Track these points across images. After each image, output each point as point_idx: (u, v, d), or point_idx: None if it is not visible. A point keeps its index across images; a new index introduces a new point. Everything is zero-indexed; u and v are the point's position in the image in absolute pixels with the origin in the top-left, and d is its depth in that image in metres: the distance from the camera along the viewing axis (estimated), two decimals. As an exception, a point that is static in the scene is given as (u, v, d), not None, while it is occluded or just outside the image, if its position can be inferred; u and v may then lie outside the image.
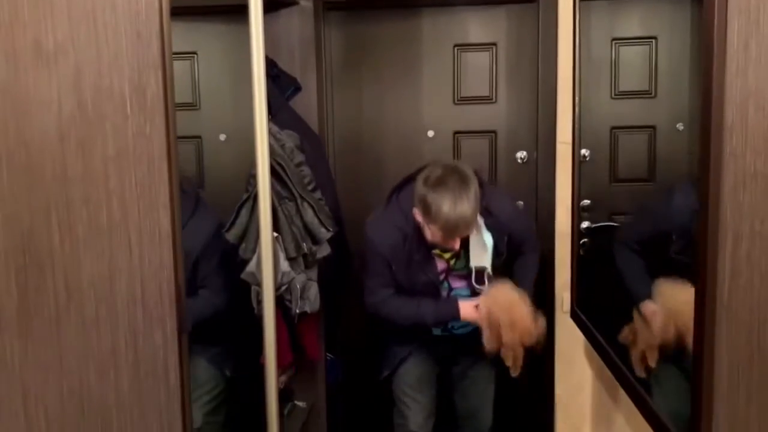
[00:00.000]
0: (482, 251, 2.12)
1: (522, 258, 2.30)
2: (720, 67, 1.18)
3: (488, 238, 2.12)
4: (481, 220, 2.08)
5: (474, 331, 2.15)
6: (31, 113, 1.19)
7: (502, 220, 2.16)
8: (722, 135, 1.19)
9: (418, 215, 2.02)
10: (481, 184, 2.04)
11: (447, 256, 2.14)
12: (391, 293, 2.16)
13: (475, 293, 2.14)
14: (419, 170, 2.08)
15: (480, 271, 2.13)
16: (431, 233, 2.00)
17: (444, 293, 2.17)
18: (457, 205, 1.92)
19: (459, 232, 1.98)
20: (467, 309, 2.10)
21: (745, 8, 1.15)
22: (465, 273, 2.16)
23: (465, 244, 2.10)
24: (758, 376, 1.25)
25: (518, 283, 2.18)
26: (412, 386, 2.28)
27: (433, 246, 2.08)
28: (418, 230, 2.06)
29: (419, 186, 1.99)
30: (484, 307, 2.06)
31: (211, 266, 2.16)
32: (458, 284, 2.19)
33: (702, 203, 1.25)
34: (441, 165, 2.02)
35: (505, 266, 2.25)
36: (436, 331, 2.23)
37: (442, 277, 2.16)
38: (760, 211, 1.20)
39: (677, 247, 1.74)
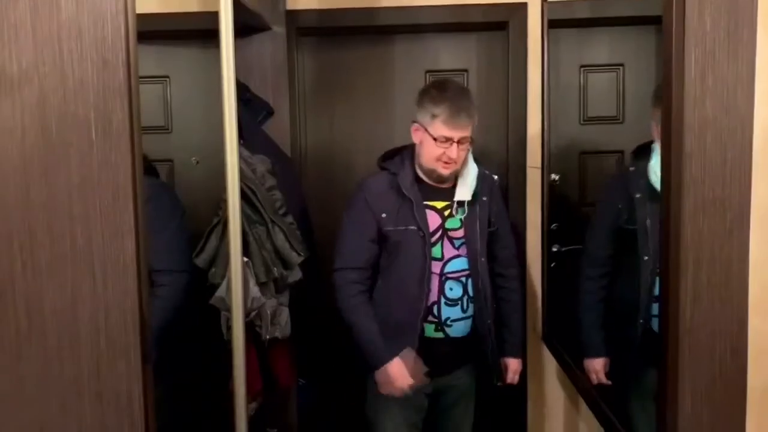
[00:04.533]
0: (467, 187, 2.12)
1: (507, 291, 2.27)
2: (678, 97, 1.21)
3: (474, 170, 2.15)
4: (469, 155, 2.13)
5: (467, 335, 2.13)
6: (-6, 139, 1.18)
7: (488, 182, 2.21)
8: (681, 162, 1.22)
9: (418, 126, 2.06)
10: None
11: (440, 205, 2.10)
12: (360, 288, 2.09)
13: (474, 265, 2.10)
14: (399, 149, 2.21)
15: (461, 203, 2.11)
16: (432, 137, 2.01)
17: (435, 266, 2.07)
18: (461, 92, 2.05)
19: (462, 118, 1.98)
20: (394, 369, 2.03)
21: (701, 40, 1.19)
22: (461, 238, 2.11)
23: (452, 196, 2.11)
24: (721, 397, 1.27)
25: (510, 334, 2.25)
26: None
27: (425, 197, 2.08)
28: (411, 178, 2.09)
29: (419, 94, 2.09)
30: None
31: (167, 250, 2.01)
32: (452, 252, 2.10)
33: (664, 229, 1.28)
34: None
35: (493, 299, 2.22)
36: (429, 332, 2.08)
37: (435, 237, 2.07)
38: (719, 236, 1.23)
39: (624, 217, 1.85)
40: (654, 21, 1.34)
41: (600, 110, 2.58)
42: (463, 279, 2.10)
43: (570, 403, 2.70)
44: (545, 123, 2.40)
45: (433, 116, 2.00)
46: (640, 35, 2.35)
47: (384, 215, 2.06)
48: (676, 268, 1.25)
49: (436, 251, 2.07)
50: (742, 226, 1.24)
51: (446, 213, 2.10)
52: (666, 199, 1.26)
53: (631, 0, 2.23)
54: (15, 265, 1.19)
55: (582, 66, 2.57)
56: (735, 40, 1.19)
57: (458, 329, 2.11)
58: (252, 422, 1.72)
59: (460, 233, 2.10)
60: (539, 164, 2.47)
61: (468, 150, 2.09)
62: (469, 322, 2.13)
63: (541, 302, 2.54)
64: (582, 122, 2.62)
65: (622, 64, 2.50)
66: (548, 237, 2.45)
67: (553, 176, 2.47)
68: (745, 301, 1.25)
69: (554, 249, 2.45)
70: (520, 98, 2.70)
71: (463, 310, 2.11)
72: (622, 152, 2.38)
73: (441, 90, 2.04)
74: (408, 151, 2.16)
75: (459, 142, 2.01)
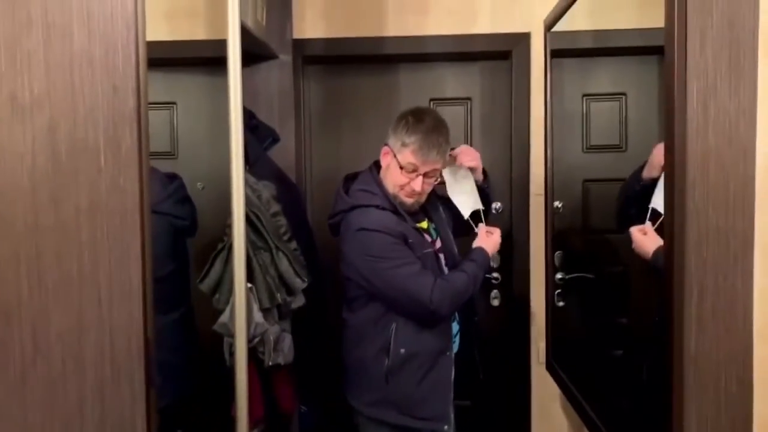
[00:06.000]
0: (468, 191, 2.13)
1: None
2: (681, 128, 1.22)
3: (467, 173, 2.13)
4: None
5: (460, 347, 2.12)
6: (4, 163, 1.20)
7: None
8: (685, 192, 1.23)
9: (388, 150, 2.00)
10: None
11: (425, 225, 2.05)
12: (435, 278, 1.92)
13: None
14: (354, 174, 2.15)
15: (477, 213, 2.10)
16: (399, 164, 1.94)
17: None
18: (437, 126, 1.94)
19: (433, 154, 1.91)
20: (491, 240, 2.07)
21: (702, 72, 1.21)
22: (441, 250, 2.07)
23: (427, 212, 2.10)
24: (727, 426, 1.26)
25: None
26: None
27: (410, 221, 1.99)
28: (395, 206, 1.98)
29: (397, 118, 2.00)
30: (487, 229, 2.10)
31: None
32: (443, 267, 2.07)
33: (668, 258, 1.28)
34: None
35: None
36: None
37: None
38: (723, 265, 1.23)
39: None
40: (656, 51, 1.36)
41: (603, 138, 2.60)
42: None
43: (574, 430, 2.68)
44: (548, 151, 2.42)
45: (404, 144, 1.93)
46: (643, 65, 2.38)
47: (411, 240, 1.96)
48: (681, 297, 1.25)
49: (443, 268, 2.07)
50: (746, 254, 1.24)
51: (431, 230, 2.09)
52: (670, 228, 1.27)
53: (632, 31, 2.26)
54: (22, 288, 1.20)
55: (585, 95, 2.60)
56: (736, 72, 1.21)
57: (455, 345, 2.11)
58: (254, 449, 1.70)
59: (440, 246, 2.10)
60: (542, 192, 2.48)
61: (434, 184, 2.03)
62: (458, 336, 2.12)
63: (545, 330, 2.53)
64: (585, 150, 2.64)
65: (624, 93, 2.53)
66: (552, 265, 2.45)
67: (557, 204, 2.48)
68: (750, 329, 1.25)
69: (558, 277, 2.45)
70: (523, 126, 2.72)
71: (458, 322, 2.12)
72: (625, 180, 2.39)
73: (418, 119, 1.95)
74: (374, 183, 2.05)
75: (425, 174, 1.95)
